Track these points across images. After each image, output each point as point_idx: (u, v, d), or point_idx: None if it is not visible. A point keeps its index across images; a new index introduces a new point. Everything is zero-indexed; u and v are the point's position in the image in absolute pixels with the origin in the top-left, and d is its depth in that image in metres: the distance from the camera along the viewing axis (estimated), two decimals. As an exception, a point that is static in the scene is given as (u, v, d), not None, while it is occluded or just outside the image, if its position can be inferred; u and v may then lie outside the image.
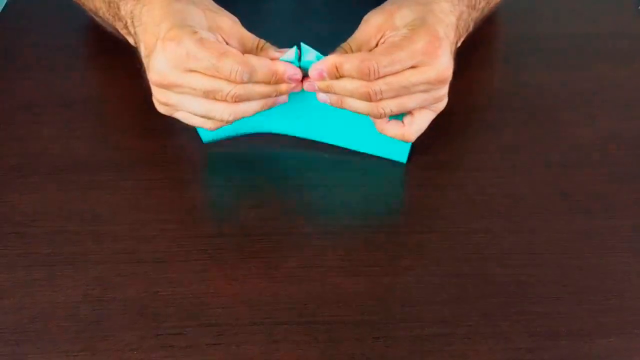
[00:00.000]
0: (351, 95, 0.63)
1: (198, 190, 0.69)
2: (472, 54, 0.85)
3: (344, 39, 0.71)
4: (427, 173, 0.73)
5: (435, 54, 0.61)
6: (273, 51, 0.65)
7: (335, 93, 0.64)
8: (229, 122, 0.65)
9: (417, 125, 0.67)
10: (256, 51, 0.64)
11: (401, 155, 0.73)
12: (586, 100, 0.82)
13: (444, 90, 0.65)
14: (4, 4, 0.96)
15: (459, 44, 0.70)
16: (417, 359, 0.59)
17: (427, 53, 0.61)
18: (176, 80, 0.62)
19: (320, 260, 0.66)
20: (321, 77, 0.63)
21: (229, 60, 0.60)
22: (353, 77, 0.62)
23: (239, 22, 0.65)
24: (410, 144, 0.72)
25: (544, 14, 0.95)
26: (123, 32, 0.72)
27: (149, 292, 0.63)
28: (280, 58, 0.64)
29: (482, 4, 0.75)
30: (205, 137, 0.73)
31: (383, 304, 0.62)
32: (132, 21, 0.67)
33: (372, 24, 0.65)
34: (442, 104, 0.67)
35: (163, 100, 0.65)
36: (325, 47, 0.90)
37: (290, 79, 0.64)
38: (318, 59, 0.64)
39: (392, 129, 0.67)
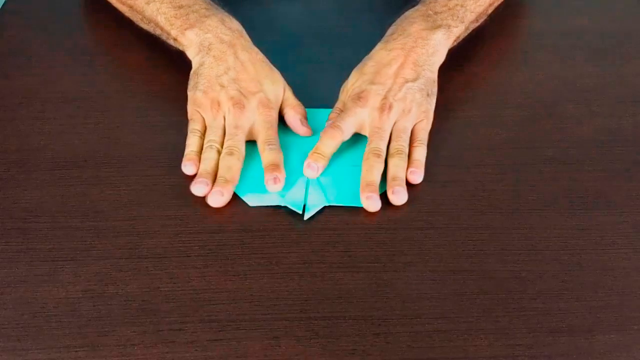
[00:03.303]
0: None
1: (199, 186, 0.69)
2: (473, 50, 0.86)
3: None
4: (428, 169, 0.73)
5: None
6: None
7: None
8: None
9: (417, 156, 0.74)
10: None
11: None
12: (587, 96, 0.82)
13: (381, 120, 0.73)
14: (4, 0, 0.96)
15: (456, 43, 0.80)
16: (417, 355, 0.59)
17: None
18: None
19: (321, 256, 0.66)
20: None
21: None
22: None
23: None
24: None
25: (545, 11, 0.95)
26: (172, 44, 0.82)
27: (150, 287, 0.63)
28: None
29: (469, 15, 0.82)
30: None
31: (383, 300, 0.63)
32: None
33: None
34: (422, 125, 0.75)
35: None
36: (330, 45, 0.90)
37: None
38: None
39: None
